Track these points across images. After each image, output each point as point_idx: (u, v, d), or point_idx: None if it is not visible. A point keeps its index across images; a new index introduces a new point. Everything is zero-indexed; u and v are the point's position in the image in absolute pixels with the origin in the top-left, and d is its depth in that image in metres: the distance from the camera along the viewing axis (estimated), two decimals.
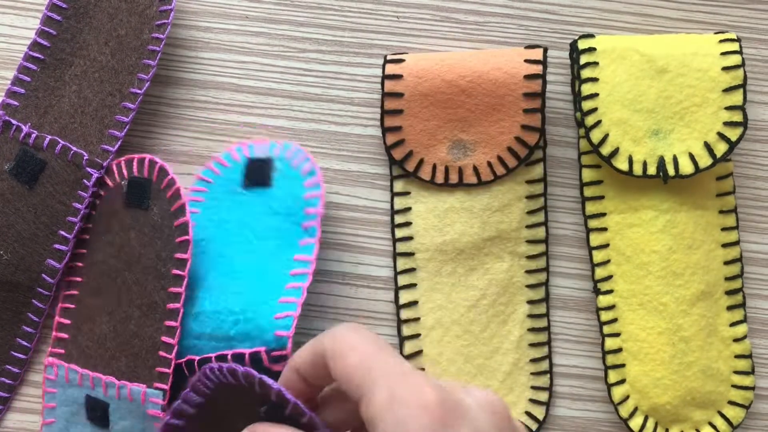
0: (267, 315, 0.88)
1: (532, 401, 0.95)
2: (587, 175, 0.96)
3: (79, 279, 0.94)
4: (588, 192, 0.96)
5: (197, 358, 0.88)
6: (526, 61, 0.93)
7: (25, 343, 0.95)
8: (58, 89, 0.94)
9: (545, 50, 0.94)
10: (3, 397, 0.95)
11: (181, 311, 0.89)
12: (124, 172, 0.93)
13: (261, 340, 0.87)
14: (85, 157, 0.92)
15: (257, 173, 0.94)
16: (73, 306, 0.94)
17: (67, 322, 0.94)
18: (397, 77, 0.94)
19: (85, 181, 0.92)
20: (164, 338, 0.89)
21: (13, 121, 0.93)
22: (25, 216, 0.92)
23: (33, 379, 0.96)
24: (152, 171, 0.92)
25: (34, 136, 0.92)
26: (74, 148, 0.92)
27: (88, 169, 0.92)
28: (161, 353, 0.89)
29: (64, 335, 0.94)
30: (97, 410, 0.91)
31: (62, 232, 0.92)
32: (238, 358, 0.87)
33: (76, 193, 0.92)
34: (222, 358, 0.87)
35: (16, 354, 0.95)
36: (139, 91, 0.94)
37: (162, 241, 0.91)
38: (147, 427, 0.90)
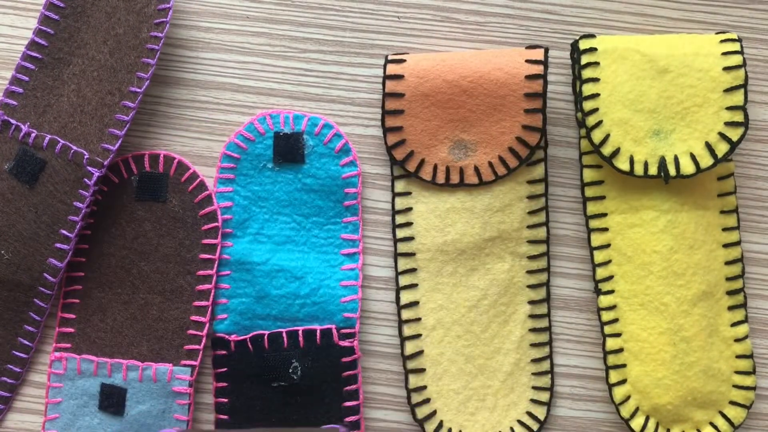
0: (333, 299, 0.94)
1: (533, 401, 0.95)
2: (588, 175, 0.96)
3: (81, 274, 0.95)
4: (589, 192, 0.96)
5: (267, 333, 0.94)
6: (528, 61, 0.93)
7: (27, 342, 0.95)
8: (56, 88, 0.94)
9: (546, 50, 0.94)
10: (4, 397, 0.95)
11: (212, 291, 0.95)
12: (133, 167, 0.95)
13: (329, 320, 0.94)
14: (85, 156, 0.92)
15: (288, 149, 0.96)
16: (77, 301, 0.95)
17: (72, 316, 0.95)
18: (398, 77, 0.94)
19: (86, 180, 0.92)
20: (194, 318, 0.94)
21: (12, 121, 0.93)
22: (25, 215, 0.92)
23: (34, 380, 0.96)
24: (169, 166, 0.95)
25: (33, 135, 0.92)
26: (74, 147, 0.92)
27: (89, 168, 0.92)
28: (191, 332, 0.94)
29: (70, 329, 0.95)
30: (113, 397, 0.92)
31: (63, 231, 0.92)
32: (310, 333, 0.93)
33: (77, 192, 0.92)
34: (293, 333, 0.94)
35: (17, 353, 0.95)
36: (138, 90, 0.93)
37: (185, 230, 0.95)
38: (168, 407, 0.93)
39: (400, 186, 0.96)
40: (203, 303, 0.94)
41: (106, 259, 0.95)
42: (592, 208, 0.96)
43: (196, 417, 0.95)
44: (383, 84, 0.94)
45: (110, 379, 0.93)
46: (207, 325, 0.94)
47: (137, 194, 0.95)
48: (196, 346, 0.94)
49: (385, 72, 0.94)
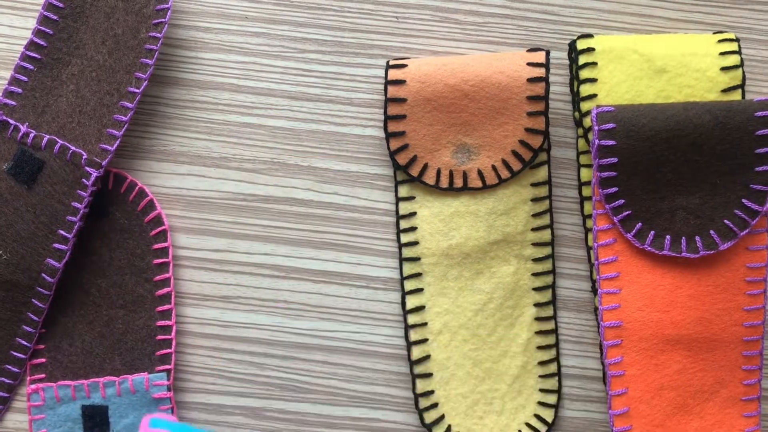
0: None
1: (541, 404, 0.95)
2: (586, 174, 0.97)
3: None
4: (586, 192, 0.96)
5: None
6: (529, 64, 0.93)
7: (25, 343, 0.94)
8: (55, 89, 0.94)
9: (548, 53, 0.94)
10: (3, 397, 0.95)
11: (173, 293, 0.95)
12: None
13: None
14: (83, 157, 0.92)
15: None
16: (43, 330, 0.95)
17: (41, 347, 0.95)
18: (399, 82, 0.94)
19: (84, 180, 0.92)
20: (160, 323, 0.94)
21: (11, 121, 0.93)
22: (24, 216, 0.92)
23: None
24: (107, 180, 0.95)
25: (32, 135, 0.92)
26: (73, 148, 0.92)
27: (87, 169, 0.92)
28: (159, 337, 0.94)
29: (41, 360, 0.95)
30: (95, 417, 0.92)
31: (62, 232, 0.92)
32: None
33: (75, 192, 0.92)
34: None
35: (15, 354, 0.95)
36: (137, 90, 0.93)
37: (134, 240, 0.95)
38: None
39: (403, 191, 0.96)
40: (166, 307, 0.95)
41: (63, 283, 0.95)
42: (590, 207, 0.96)
43: (181, 416, 0.96)
44: (385, 89, 0.94)
45: (90, 400, 0.93)
46: (174, 327, 0.94)
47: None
48: (168, 350, 0.94)
49: (386, 77, 0.94)
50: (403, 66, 0.94)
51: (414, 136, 0.94)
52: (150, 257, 0.95)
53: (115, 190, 0.95)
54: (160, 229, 0.95)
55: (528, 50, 0.96)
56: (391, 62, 0.95)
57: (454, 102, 0.94)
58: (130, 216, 0.95)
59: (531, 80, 0.93)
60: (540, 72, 0.93)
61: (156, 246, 0.95)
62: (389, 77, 0.94)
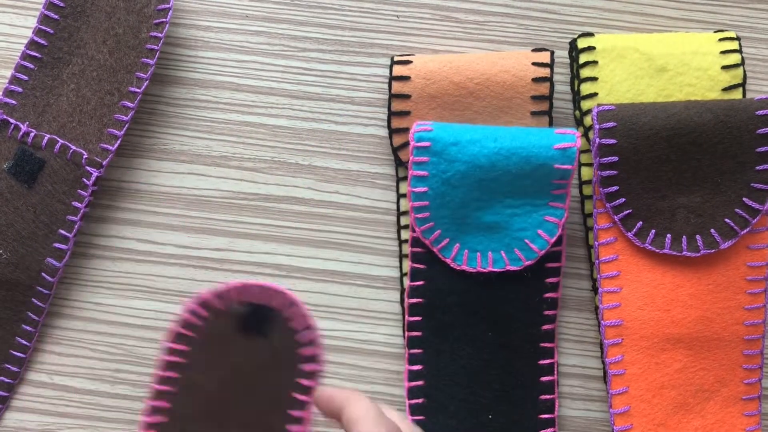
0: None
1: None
2: (586, 173, 0.96)
3: (166, 404, 0.88)
4: (587, 190, 0.96)
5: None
6: (534, 63, 0.93)
7: (25, 342, 0.94)
8: (56, 88, 0.94)
9: (552, 53, 0.94)
10: (2, 396, 0.95)
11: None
12: (240, 296, 0.87)
13: None
14: (84, 156, 0.92)
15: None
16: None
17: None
18: (404, 79, 0.94)
19: (84, 179, 0.92)
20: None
21: (11, 120, 0.93)
22: (24, 215, 0.92)
23: (32, 378, 0.95)
24: (274, 298, 0.89)
25: (32, 135, 0.92)
26: (73, 147, 0.92)
27: (88, 168, 0.92)
28: None
29: None
30: None
31: (62, 231, 0.92)
32: None
33: (75, 191, 0.92)
34: None
35: (15, 353, 0.95)
36: (138, 90, 0.93)
37: (285, 369, 0.88)
38: None
39: (405, 187, 0.96)
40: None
41: (197, 391, 0.89)
42: (590, 206, 0.96)
43: None
44: (389, 85, 0.94)
45: None
46: None
47: (245, 326, 0.88)
48: None
49: (391, 73, 0.94)
50: (408, 62, 0.94)
51: None
52: (294, 391, 0.88)
53: (279, 311, 0.86)
54: (313, 367, 0.85)
55: (533, 50, 0.95)
56: (396, 58, 0.95)
57: (459, 99, 0.93)
58: (287, 343, 0.86)
59: (536, 80, 0.93)
60: (545, 72, 0.93)
61: (305, 382, 0.86)
62: (394, 73, 0.94)
